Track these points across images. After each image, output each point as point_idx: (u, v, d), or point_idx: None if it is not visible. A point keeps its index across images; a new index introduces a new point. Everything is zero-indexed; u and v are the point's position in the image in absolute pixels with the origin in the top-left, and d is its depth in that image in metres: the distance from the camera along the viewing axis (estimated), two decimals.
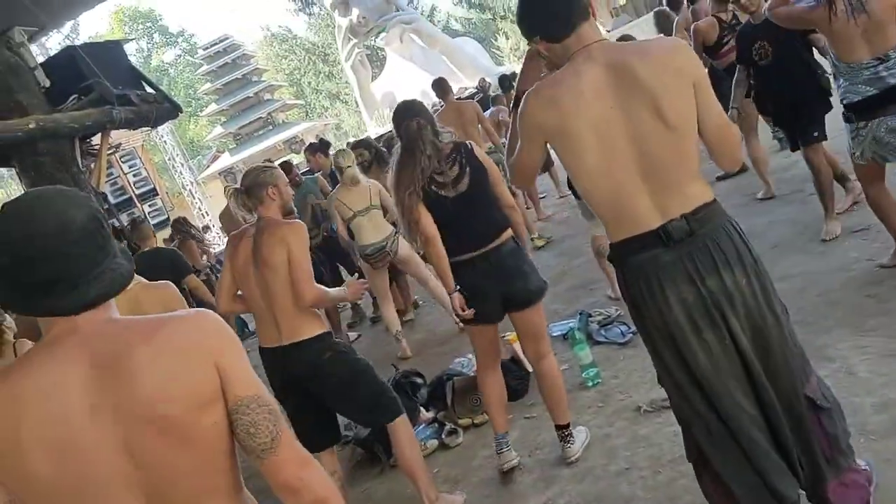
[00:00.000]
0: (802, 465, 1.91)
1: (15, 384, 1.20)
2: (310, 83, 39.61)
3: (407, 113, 3.05)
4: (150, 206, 20.19)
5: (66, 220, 1.19)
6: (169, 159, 24.61)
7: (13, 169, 9.02)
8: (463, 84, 19.45)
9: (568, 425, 3.16)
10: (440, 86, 7.01)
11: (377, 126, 20.22)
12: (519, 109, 1.96)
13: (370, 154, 6.16)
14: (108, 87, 8.57)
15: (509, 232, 3.02)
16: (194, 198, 23.53)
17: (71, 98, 8.44)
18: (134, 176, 20.02)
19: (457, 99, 7.19)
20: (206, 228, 19.35)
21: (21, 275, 1.19)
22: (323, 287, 3.00)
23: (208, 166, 28.48)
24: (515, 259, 3.02)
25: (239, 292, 3.07)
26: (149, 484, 1.20)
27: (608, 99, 1.81)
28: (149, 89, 9.60)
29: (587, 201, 1.99)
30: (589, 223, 4.72)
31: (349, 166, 5.36)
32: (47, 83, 8.43)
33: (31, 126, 7.76)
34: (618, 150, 1.82)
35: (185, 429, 1.19)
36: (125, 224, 9.37)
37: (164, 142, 23.84)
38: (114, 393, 1.18)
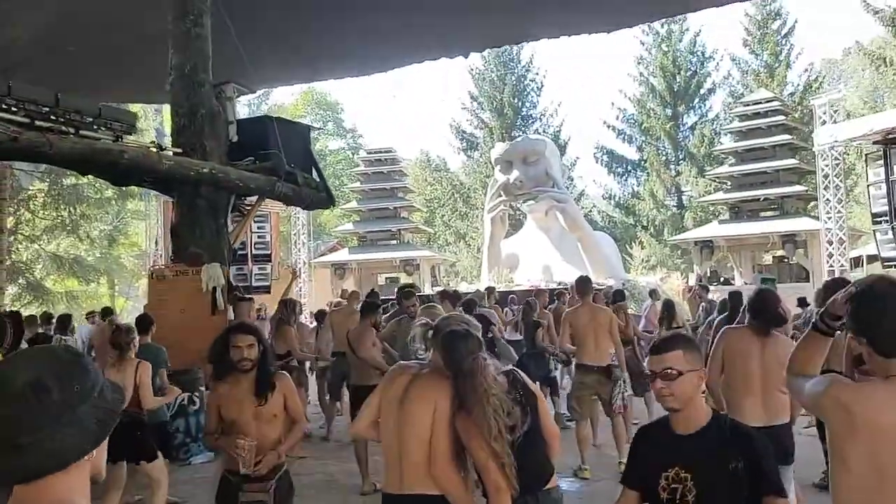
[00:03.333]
0: None
1: None
2: (443, 216, 41.04)
3: (463, 342, 2.79)
4: (259, 268, 21.02)
5: (38, 374, 1.13)
6: (294, 234, 25.65)
7: (171, 198, 9.64)
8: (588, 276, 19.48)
9: None
10: (584, 284, 6.98)
11: (492, 280, 20.43)
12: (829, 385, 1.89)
13: None
14: (283, 162, 9.18)
15: (555, 478, 2.91)
16: (301, 276, 24.22)
17: (247, 159, 9.10)
18: (258, 237, 21.04)
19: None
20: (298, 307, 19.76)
21: None
22: (457, 480, 2.73)
23: (324, 254, 29.48)
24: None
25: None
26: None
27: None
28: (315, 176, 10.25)
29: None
30: None
31: None
32: (235, 139, 9.17)
33: (203, 170, 8.35)
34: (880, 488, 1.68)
35: None
36: (234, 284, 9.53)
37: (298, 217, 24.94)
38: None
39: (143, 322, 6.24)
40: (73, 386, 1.14)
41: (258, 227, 21.22)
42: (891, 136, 14.98)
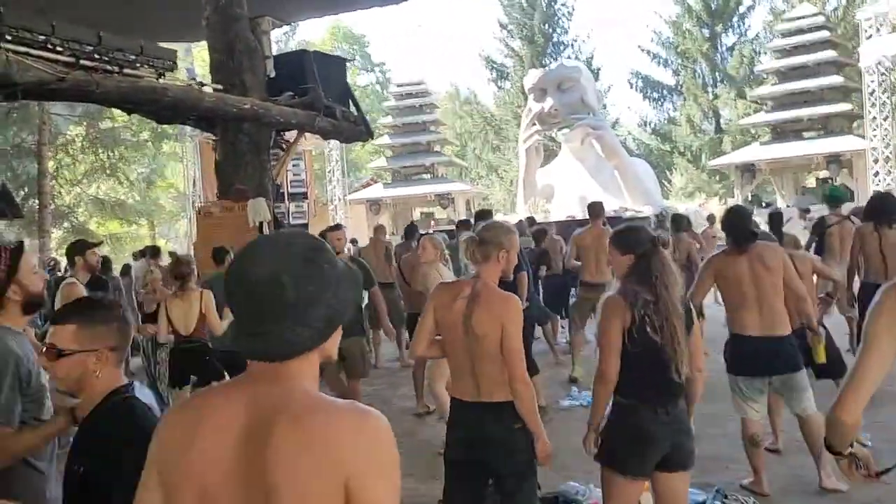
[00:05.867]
0: None
1: (196, 413, 1.27)
2: (475, 149, 40.67)
3: (641, 231, 3.04)
4: (296, 206, 21.15)
5: (276, 272, 1.20)
6: (329, 171, 25.69)
7: (212, 136, 9.69)
8: (626, 205, 19.32)
9: None
10: (594, 209, 7.43)
11: (528, 211, 20.33)
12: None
13: None
14: (322, 96, 9.12)
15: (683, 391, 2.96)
16: (336, 213, 24.37)
17: (286, 94, 9.05)
18: (294, 175, 21.12)
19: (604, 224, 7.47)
20: None
21: (237, 309, 1.25)
22: (531, 383, 2.91)
23: (358, 190, 29.55)
24: (685, 415, 2.95)
25: (437, 336, 3.08)
26: None
27: None
28: (353, 110, 10.18)
29: None
30: (741, 402, 4.39)
31: None
32: (273, 74, 9.10)
33: (245, 106, 8.33)
34: None
35: None
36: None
37: (331, 153, 24.94)
38: (249, 459, 1.18)
39: (219, 253, 6.45)
40: (308, 287, 1.21)
41: (293, 166, 21.27)
42: None
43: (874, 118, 18.84)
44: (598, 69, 36.40)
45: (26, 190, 19.72)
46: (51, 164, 20.25)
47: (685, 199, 27.72)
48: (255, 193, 8.25)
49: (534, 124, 21.80)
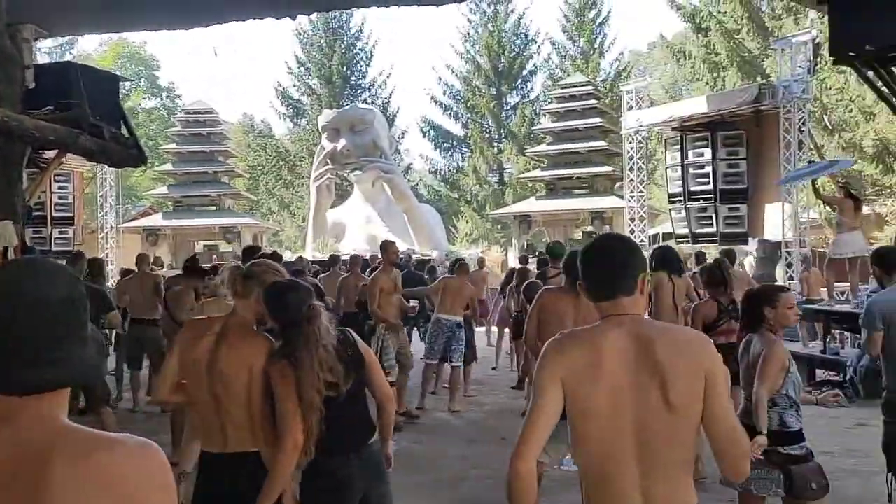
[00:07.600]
0: None
1: None
2: (267, 183, 39.80)
3: (293, 293, 2.74)
4: (59, 232, 19.32)
5: (40, 297, 1.12)
6: (101, 196, 23.74)
7: None
8: (413, 247, 19.86)
9: None
10: (385, 248, 7.75)
11: (316, 250, 20.18)
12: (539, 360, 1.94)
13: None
14: (87, 113, 8.43)
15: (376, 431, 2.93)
16: (108, 242, 22.54)
17: (47, 108, 8.26)
18: (59, 198, 19.28)
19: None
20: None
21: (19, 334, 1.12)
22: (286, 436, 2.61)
23: (134, 218, 27.64)
24: (380, 458, 2.91)
25: (183, 380, 2.83)
26: None
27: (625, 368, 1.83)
28: (125, 131, 9.51)
29: (574, 459, 1.94)
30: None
31: None
32: (32, 85, 8.27)
33: None
34: (619, 421, 1.79)
35: None
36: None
37: (105, 177, 23.10)
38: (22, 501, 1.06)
39: None
40: (87, 307, 1.19)
41: (59, 188, 19.35)
42: (687, 123, 16.47)
43: (632, 181, 20.94)
44: (395, 114, 37.43)
45: None
46: None
47: (469, 244, 28.98)
48: (1, 215, 7.39)
49: (326, 163, 21.82)
